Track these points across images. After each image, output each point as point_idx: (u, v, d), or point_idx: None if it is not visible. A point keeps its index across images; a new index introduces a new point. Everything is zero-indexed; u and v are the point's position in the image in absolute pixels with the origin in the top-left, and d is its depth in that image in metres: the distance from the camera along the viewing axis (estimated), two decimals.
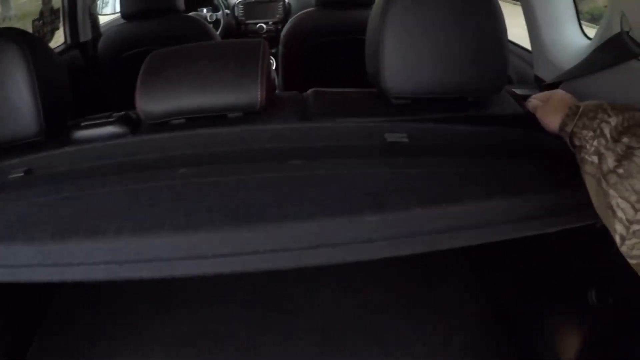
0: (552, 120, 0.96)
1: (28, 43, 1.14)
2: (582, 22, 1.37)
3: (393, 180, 0.90)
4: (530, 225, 0.87)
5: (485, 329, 1.41)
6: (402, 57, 1.10)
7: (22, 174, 1.05)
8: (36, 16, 2.33)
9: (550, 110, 1.00)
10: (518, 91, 1.24)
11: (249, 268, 0.87)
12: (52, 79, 1.19)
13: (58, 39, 2.45)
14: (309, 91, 1.26)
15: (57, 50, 2.31)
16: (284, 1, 3.58)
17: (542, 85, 1.32)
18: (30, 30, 2.30)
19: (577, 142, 0.84)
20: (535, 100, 1.08)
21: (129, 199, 0.93)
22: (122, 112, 1.18)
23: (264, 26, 3.54)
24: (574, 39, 1.33)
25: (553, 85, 1.24)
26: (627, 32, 1.02)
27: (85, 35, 2.40)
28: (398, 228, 0.83)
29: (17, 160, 1.10)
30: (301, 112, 1.17)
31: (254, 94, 1.08)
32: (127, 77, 1.38)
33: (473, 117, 1.11)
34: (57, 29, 2.23)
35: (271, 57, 3.47)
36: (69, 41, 2.38)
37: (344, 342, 1.37)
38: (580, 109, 0.87)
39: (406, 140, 1.00)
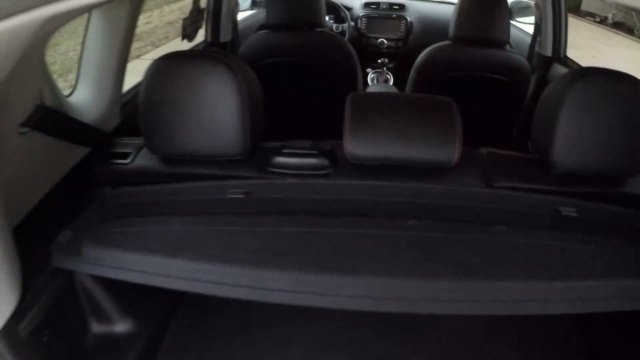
0: None
1: (239, 68, 1.26)
2: None
3: (572, 252, 1.06)
4: None
5: None
6: (574, 135, 1.22)
7: (241, 196, 1.18)
8: None
9: None
10: None
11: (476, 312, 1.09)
12: (256, 101, 1.31)
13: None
14: (484, 151, 1.38)
15: (197, 47, 2.49)
16: (407, 20, 3.63)
17: None
18: None
19: None
20: None
21: (373, 243, 1.07)
22: (324, 147, 1.31)
23: (385, 41, 3.60)
24: None
25: None
26: None
27: (225, 36, 2.56)
28: (576, 293, 0.99)
29: (236, 181, 1.24)
30: (482, 174, 1.30)
31: (452, 152, 1.21)
32: (262, 84, 1.51)
33: (624, 195, 1.25)
34: (200, 27, 2.38)
35: (388, 73, 3.54)
36: (209, 39, 2.54)
37: None
38: None
39: (575, 215, 1.13)
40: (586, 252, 1.05)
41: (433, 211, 1.15)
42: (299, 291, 1.02)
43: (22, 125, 1.15)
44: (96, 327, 1.38)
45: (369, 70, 3.60)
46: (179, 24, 2.37)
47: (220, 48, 2.52)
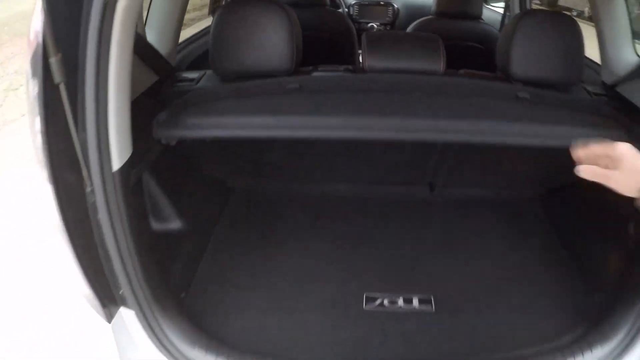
0: (627, 189, 1.02)
1: (287, 9, 1.69)
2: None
3: (526, 110, 1.56)
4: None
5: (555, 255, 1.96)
6: (525, 54, 1.69)
7: (297, 87, 1.63)
8: None
9: (624, 180, 1.04)
10: (589, 88, 1.83)
11: (458, 139, 1.62)
12: (298, 33, 1.73)
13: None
14: (462, 71, 1.85)
15: None
16: (394, 6, 4.07)
17: (606, 85, 1.90)
18: None
19: None
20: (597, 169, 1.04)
21: (393, 102, 1.58)
22: (348, 67, 1.77)
23: (375, 26, 4.02)
24: (629, 56, 1.83)
25: (614, 87, 1.83)
26: None
27: None
28: (528, 131, 1.52)
29: (292, 77, 1.68)
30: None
31: (439, 64, 1.67)
32: None
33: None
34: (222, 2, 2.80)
35: None
36: None
37: (457, 249, 1.96)
38: None
39: (529, 97, 1.61)
40: (536, 112, 1.54)
41: (431, 89, 1.63)
42: (348, 127, 1.51)
43: None
44: (155, 225, 1.75)
45: (360, 51, 4.00)
46: None
47: None
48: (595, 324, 1.43)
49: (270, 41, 1.67)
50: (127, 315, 1.31)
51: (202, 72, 1.86)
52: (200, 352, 1.32)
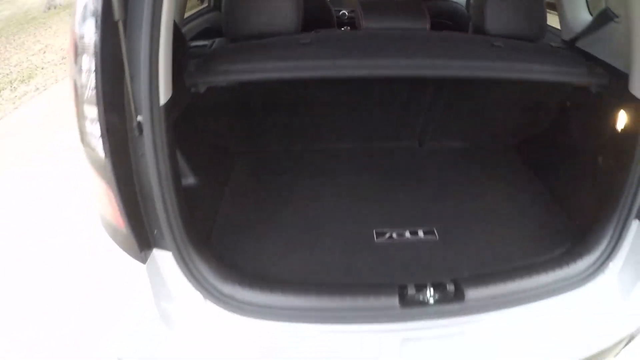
0: None
1: None
2: None
3: (497, 55, 1.78)
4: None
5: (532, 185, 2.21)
6: (496, 12, 1.92)
7: (308, 41, 1.80)
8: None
9: None
10: (552, 43, 2.09)
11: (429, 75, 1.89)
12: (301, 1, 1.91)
13: None
14: (444, 31, 2.12)
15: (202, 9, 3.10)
16: None
17: (565, 42, 2.14)
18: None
19: None
20: None
21: (394, 46, 1.82)
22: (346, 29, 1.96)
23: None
24: (584, 15, 2.07)
25: (572, 42, 2.07)
26: (609, 8, 1.75)
27: None
28: (505, 66, 1.77)
29: (305, 34, 1.87)
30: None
31: (425, 22, 1.90)
32: None
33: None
34: None
35: None
36: (211, 5, 3.24)
37: (449, 190, 2.16)
38: None
39: (502, 45, 1.82)
40: (511, 54, 1.77)
41: (422, 39, 1.87)
42: (360, 67, 1.73)
43: None
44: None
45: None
46: None
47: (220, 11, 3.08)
48: (579, 240, 1.62)
49: (280, 6, 1.85)
50: (160, 256, 1.39)
51: (211, 40, 2.04)
52: (234, 287, 1.42)
